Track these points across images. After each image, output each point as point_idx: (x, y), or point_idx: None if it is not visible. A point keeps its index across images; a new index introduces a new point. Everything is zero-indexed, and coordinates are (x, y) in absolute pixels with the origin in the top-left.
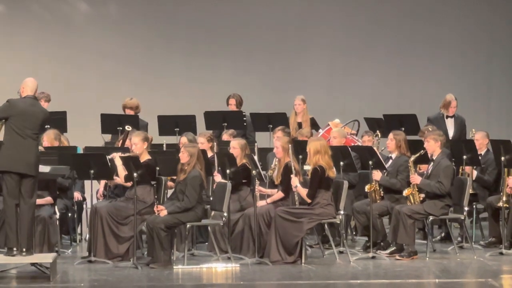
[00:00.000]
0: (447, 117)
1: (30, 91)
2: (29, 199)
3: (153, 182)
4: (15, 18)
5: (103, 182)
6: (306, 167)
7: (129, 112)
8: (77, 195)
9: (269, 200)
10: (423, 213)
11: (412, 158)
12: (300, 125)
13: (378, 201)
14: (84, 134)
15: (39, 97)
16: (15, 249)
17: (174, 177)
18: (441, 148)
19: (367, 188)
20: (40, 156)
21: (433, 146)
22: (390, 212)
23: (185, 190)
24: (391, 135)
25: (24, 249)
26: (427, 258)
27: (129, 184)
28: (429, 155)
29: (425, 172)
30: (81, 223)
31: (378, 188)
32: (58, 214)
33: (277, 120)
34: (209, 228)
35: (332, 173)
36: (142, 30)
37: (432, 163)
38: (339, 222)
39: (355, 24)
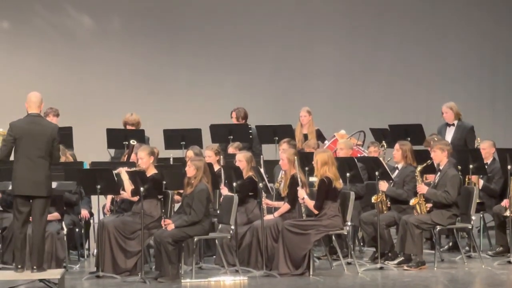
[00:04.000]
0: (448, 125)
1: (35, 107)
2: (39, 218)
3: (160, 196)
4: (19, 34)
5: (110, 197)
6: (312, 179)
7: (130, 128)
8: (84, 213)
9: (276, 214)
10: (430, 223)
11: (419, 168)
12: (306, 136)
13: (385, 212)
14: (90, 149)
15: (47, 112)
16: (19, 266)
17: (181, 191)
18: (448, 158)
19: (373, 199)
20: (51, 175)
21: (439, 156)
22: (397, 223)
23: (192, 203)
24: (397, 146)
25: (34, 267)
26: (435, 268)
27: (135, 198)
28: (435, 165)
29: (432, 182)
30: (89, 238)
31: (384, 199)
32: (65, 229)
33: (283, 132)
34: (216, 241)
35: (339, 184)
36: (146, 44)
37: (439, 173)
38: (346, 233)
39: (359, 35)
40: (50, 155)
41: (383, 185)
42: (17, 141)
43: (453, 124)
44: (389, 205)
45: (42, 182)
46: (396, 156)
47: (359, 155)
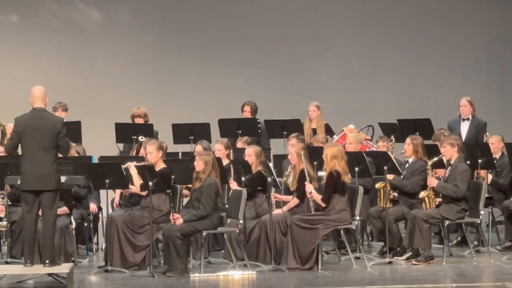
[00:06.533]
0: (463, 119)
1: (39, 101)
2: (49, 212)
3: (168, 191)
4: (27, 27)
5: (118, 191)
6: (321, 173)
7: (139, 120)
8: (93, 208)
9: (285, 208)
10: (439, 218)
11: (430, 162)
12: (314, 131)
13: (389, 206)
14: (99, 144)
15: (56, 107)
16: (28, 261)
17: (190, 185)
18: (458, 153)
19: (377, 185)
20: (58, 168)
21: (450, 152)
22: (405, 217)
23: (201, 198)
24: (408, 140)
25: (47, 261)
26: (444, 263)
27: (144, 193)
28: (444, 161)
29: (440, 177)
30: (97, 232)
31: (389, 189)
32: (74, 223)
33: (292, 126)
34: (225, 235)
35: (347, 178)
36: (154, 38)
37: (449, 167)
38: (355, 227)
39: (368, 29)
40: (56, 148)
41: (390, 175)
42: (22, 135)
43: (467, 119)
44: (392, 196)
45: (49, 176)
46: (407, 150)
47: (367, 150)
